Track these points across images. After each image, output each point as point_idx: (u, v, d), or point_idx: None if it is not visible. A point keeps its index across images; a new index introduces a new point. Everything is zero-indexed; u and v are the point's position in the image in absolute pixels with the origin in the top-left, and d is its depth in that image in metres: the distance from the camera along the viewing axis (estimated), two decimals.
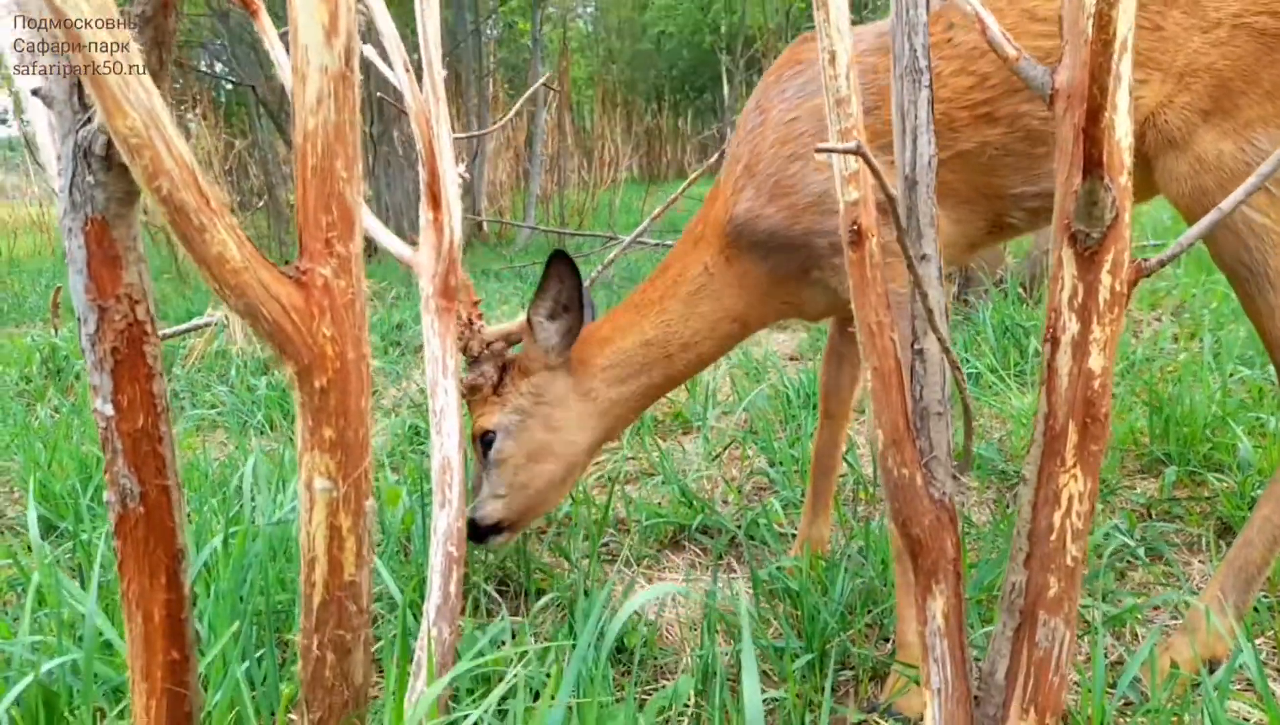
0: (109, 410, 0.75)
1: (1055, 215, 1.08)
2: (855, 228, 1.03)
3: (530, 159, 10.24)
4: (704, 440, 3.06)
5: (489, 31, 11.44)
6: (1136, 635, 1.87)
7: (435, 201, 1.65)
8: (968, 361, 3.54)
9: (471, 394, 1.94)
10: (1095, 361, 1.08)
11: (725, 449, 3.01)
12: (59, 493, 2.55)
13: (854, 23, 1.15)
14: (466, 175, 1.68)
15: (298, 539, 1.98)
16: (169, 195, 0.67)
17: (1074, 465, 1.11)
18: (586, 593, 1.96)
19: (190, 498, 2.59)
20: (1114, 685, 1.56)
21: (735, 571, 2.28)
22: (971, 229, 1.82)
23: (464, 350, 1.88)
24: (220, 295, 0.71)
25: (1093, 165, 0.98)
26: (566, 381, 1.95)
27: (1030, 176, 1.72)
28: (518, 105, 1.90)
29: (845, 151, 0.89)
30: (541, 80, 2.73)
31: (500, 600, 2.14)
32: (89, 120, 0.73)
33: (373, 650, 1.04)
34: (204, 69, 12.35)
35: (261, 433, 3.44)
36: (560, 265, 1.84)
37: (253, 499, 2.11)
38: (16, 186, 17.22)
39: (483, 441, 1.94)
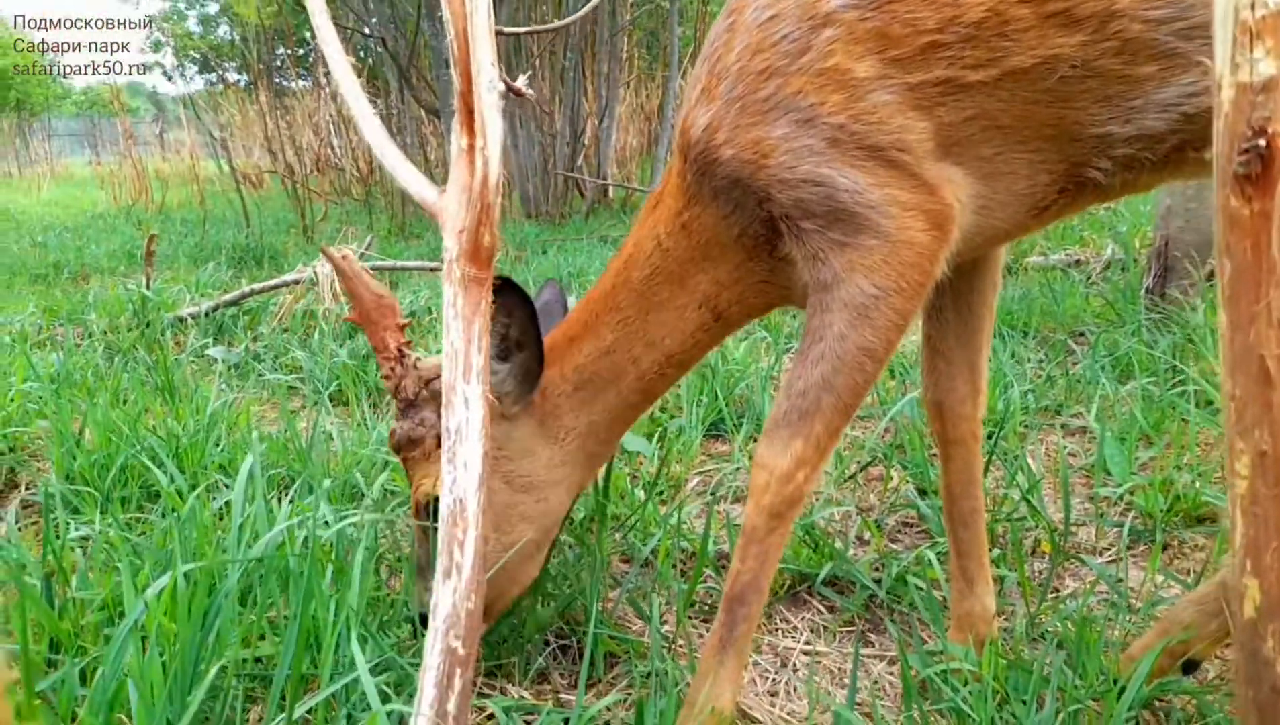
0: None
1: None
2: (1258, 143, 0.45)
3: (662, 123, 9.76)
4: (835, 456, 2.47)
5: None
6: None
7: (470, 121, 1.15)
8: (1181, 375, 2.80)
9: (409, 449, 1.49)
10: None
11: (863, 469, 2.41)
12: (82, 468, 2.22)
13: None
14: (530, 92, 1.16)
15: (291, 563, 1.53)
16: None
17: None
18: (665, 679, 1.44)
19: (223, 489, 2.22)
20: None
21: (873, 643, 1.71)
22: (1034, 186, 1.24)
23: (395, 392, 1.48)
24: None
25: None
26: (530, 427, 1.50)
27: (1125, 111, 1.13)
28: (586, 7, 1.39)
29: None
30: None
31: (557, 658, 1.65)
32: None
33: None
34: (350, 26, 12.33)
35: (331, 407, 3.07)
36: (508, 296, 1.37)
37: (246, 509, 1.68)
38: (179, 140, 17.97)
39: (429, 510, 1.46)
